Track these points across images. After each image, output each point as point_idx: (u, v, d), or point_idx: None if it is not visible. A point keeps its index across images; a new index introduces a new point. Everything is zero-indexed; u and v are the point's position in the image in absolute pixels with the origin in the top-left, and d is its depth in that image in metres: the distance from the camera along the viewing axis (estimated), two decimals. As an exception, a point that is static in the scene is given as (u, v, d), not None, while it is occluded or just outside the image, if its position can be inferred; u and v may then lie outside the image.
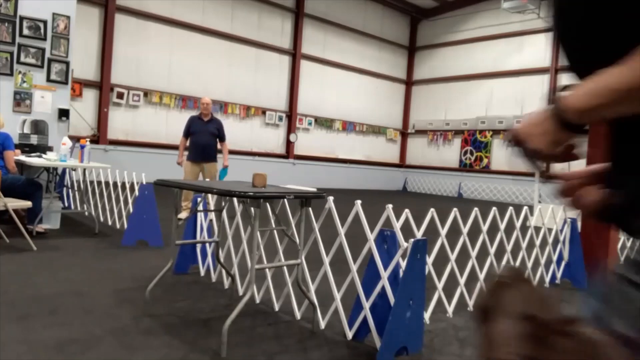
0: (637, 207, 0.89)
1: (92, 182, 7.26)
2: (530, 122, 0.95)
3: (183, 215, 6.37)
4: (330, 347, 2.90)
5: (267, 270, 3.54)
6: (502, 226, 4.06)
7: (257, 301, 3.63)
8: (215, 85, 15.52)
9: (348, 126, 19.44)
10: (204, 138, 7.13)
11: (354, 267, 3.02)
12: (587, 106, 0.85)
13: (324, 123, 18.75)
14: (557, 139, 0.92)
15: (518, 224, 4.32)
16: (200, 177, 7.19)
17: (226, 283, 4.02)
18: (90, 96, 13.31)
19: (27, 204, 5.08)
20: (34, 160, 5.54)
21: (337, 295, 3.10)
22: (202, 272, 4.36)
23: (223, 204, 3.89)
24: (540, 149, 0.94)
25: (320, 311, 3.18)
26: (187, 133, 7.21)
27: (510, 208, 4.18)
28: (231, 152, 15.03)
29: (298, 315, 3.34)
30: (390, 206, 2.95)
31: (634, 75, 0.76)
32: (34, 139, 6.04)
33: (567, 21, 0.92)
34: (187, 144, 7.27)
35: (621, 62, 0.78)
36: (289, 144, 17.72)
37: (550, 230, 4.83)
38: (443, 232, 3.50)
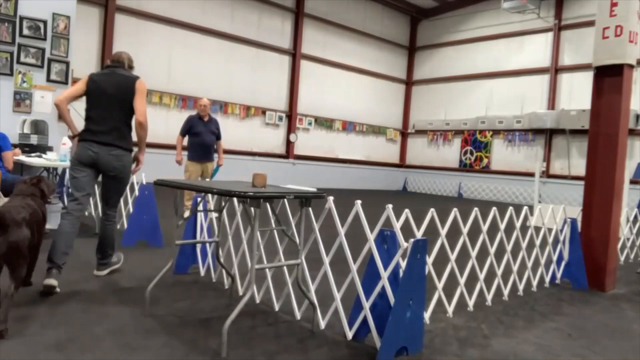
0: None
1: (92, 182, 7.25)
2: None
3: (187, 214, 6.39)
4: (330, 347, 2.90)
5: (267, 270, 3.54)
6: (502, 226, 4.06)
7: (257, 301, 3.63)
8: (215, 85, 15.51)
9: (348, 126, 19.44)
10: (207, 138, 7.24)
11: (354, 267, 3.02)
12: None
13: (324, 123, 18.74)
14: None
15: (518, 224, 4.32)
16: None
17: (226, 283, 4.02)
18: (90, 96, 13.31)
19: (27, 204, 5.07)
20: (34, 160, 5.53)
21: (337, 295, 3.10)
22: (202, 272, 4.36)
23: (223, 204, 3.88)
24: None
25: (320, 311, 3.18)
26: (186, 132, 7.27)
27: (510, 208, 4.18)
28: (231, 152, 14.99)
29: (298, 315, 3.34)
30: (390, 206, 2.95)
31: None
32: (33, 139, 6.03)
33: None
34: (186, 143, 7.32)
35: None
36: (289, 144, 17.72)
37: (550, 230, 4.83)
38: (443, 232, 3.50)
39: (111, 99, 3.92)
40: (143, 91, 3.99)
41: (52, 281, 3.51)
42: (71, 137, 3.97)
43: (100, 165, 3.88)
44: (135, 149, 4.09)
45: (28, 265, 3.31)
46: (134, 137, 4.04)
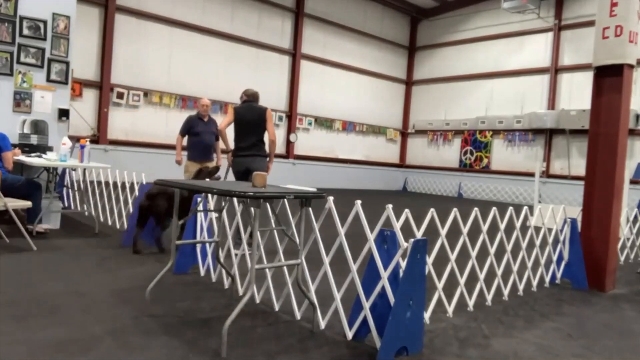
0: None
1: (92, 182, 7.26)
2: None
3: None
4: (330, 347, 2.90)
5: (267, 270, 3.54)
6: (502, 226, 4.06)
7: (257, 301, 3.63)
8: (215, 85, 15.51)
9: (348, 126, 19.44)
10: (207, 138, 7.22)
11: (354, 267, 3.02)
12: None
13: (324, 123, 18.74)
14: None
15: (518, 224, 4.32)
16: None
17: (226, 283, 4.02)
18: (90, 96, 13.31)
19: (27, 204, 5.08)
20: (34, 160, 5.53)
21: (337, 295, 3.10)
22: (202, 272, 4.37)
23: (223, 204, 3.88)
24: None
25: (320, 311, 3.18)
26: (186, 132, 7.26)
27: (510, 208, 4.18)
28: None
29: (298, 315, 3.34)
30: (390, 206, 2.95)
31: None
32: (34, 139, 6.03)
33: None
34: (186, 143, 7.31)
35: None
36: (289, 144, 17.72)
37: (550, 230, 4.83)
38: (443, 232, 3.50)
39: (250, 124, 5.74)
40: (271, 117, 5.89)
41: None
42: (226, 152, 5.93)
43: (250, 169, 5.49)
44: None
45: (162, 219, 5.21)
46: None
